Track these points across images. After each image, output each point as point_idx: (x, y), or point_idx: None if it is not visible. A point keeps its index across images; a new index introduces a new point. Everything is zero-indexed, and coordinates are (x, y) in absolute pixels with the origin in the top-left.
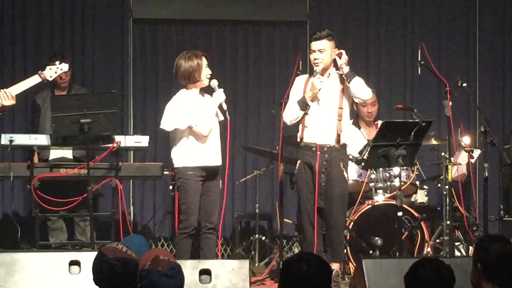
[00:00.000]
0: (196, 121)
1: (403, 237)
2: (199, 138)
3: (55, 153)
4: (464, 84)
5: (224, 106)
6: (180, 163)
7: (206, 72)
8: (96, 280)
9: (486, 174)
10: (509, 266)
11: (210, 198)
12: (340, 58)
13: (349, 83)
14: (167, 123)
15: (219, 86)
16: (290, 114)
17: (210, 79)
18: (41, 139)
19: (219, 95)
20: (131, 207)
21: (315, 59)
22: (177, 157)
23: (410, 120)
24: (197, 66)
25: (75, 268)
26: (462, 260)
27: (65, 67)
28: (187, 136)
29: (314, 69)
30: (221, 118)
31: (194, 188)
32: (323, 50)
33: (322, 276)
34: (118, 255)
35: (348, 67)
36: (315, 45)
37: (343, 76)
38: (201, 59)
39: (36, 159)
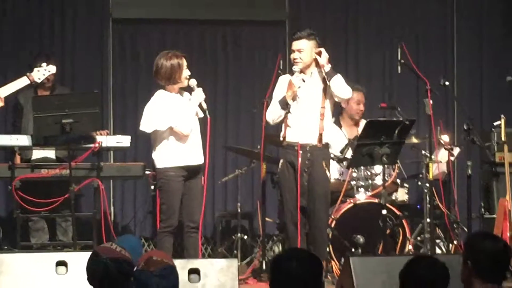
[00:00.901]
0: (176, 121)
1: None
2: (180, 138)
3: (37, 153)
4: (447, 83)
5: (204, 105)
6: (162, 163)
7: (186, 73)
8: (90, 280)
9: (470, 172)
10: (499, 263)
11: (192, 197)
12: (320, 56)
13: (329, 81)
14: (146, 125)
15: (199, 86)
16: (272, 113)
17: (189, 78)
18: (22, 140)
19: (199, 94)
20: (112, 207)
21: (294, 59)
22: (158, 158)
23: (394, 119)
24: (178, 66)
25: (62, 268)
26: (447, 257)
27: (53, 69)
28: (168, 137)
29: (293, 68)
30: (200, 115)
31: (175, 188)
32: (301, 49)
33: (314, 270)
34: (112, 255)
35: (330, 65)
36: (294, 44)
37: (324, 75)
38: (182, 59)
39: (18, 160)
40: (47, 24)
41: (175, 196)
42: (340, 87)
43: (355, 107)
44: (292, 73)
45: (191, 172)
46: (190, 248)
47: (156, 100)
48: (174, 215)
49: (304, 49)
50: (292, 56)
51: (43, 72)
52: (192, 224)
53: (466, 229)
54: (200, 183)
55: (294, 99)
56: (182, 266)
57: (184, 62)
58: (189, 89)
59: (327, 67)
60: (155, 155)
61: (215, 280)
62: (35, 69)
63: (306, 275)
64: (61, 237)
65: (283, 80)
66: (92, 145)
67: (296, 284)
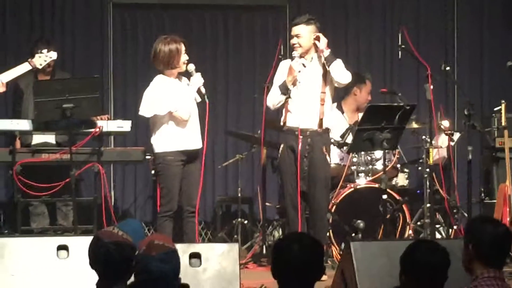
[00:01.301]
0: (175, 106)
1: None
2: (179, 122)
3: (37, 138)
4: (448, 68)
5: (203, 90)
6: (161, 148)
7: (184, 58)
8: (92, 263)
9: (470, 157)
10: (501, 248)
11: (191, 181)
12: (319, 41)
13: (328, 67)
14: (146, 110)
15: (198, 70)
16: (273, 98)
17: (188, 63)
18: (23, 124)
19: (197, 79)
20: (113, 192)
21: (293, 44)
22: (157, 143)
23: (395, 104)
24: (176, 51)
25: (63, 252)
26: (448, 242)
27: (54, 55)
28: (167, 122)
29: (293, 54)
30: (199, 100)
31: (174, 173)
32: (300, 35)
33: (315, 254)
34: (114, 239)
35: (329, 50)
36: (293, 30)
37: (323, 60)
38: (180, 44)
39: (18, 144)
40: (47, 9)
41: (174, 181)
42: (340, 72)
43: (366, 97)
44: (292, 58)
45: (190, 156)
46: (189, 232)
47: (155, 85)
48: (174, 200)
49: (302, 34)
50: (291, 41)
51: (44, 58)
52: (191, 209)
53: (466, 214)
54: (199, 169)
55: (294, 84)
56: (183, 250)
57: (183, 47)
58: (188, 74)
59: (326, 52)
60: (154, 139)
61: (216, 264)
62: (36, 55)
63: (308, 259)
64: (61, 222)
65: (284, 65)
66: (92, 130)
67: (298, 268)
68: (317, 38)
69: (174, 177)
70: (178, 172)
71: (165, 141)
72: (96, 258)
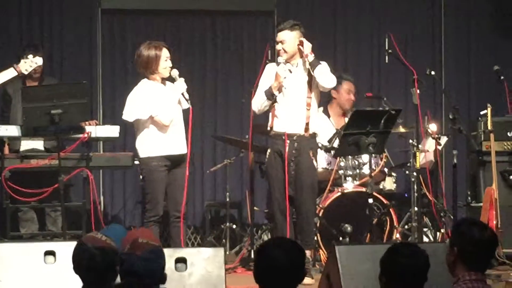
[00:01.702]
0: (157, 111)
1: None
2: (162, 127)
3: (25, 144)
4: (433, 72)
5: (186, 95)
6: (144, 153)
7: (165, 64)
8: (76, 268)
9: (455, 160)
10: (486, 251)
11: (176, 187)
12: (303, 47)
13: (313, 71)
14: (128, 114)
15: (186, 75)
16: (258, 103)
17: (172, 69)
18: (12, 130)
19: (180, 85)
20: (101, 197)
21: (278, 50)
22: (141, 147)
23: (380, 109)
24: (154, 57)
25: (50, 258)
26: (432, 246)
27: (39, 60)
28: (149, 126)
29: (278, 59)
30: (185, 106)
31: (158, 178)
32: (284, 41)
33: (297, 259)
34: (97, 244)
35: (313, 55)
36: (278, 36)
37: (308, 65)
38: (161, 50)
39: (6, 150)
40: (36, 15)
41: (159, 186)
42: (324, 76)
43: (346, 97)
44: (278, 64)
45: (174, 161)
46: (175, 237)
47: (137, 89)
48: (159, 205)
49: (287, 40)
50: (277, 47)
51: (30, 63)
52: (177, 214)
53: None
54: (184, 173)
55: (280, 90)
56: (169, 254)
57: (164, 54)
58: (173, 80)
59: (311, 57)
60: (138, 144)
61: (201, 269)
62: (22, 61)
63: (289, 263)
64: (50, 227)
65: (269, 69)
66: (81, 136)
67: (279, 271)
68: (301, 43)
69: (158, 182)
70: (162, 177)
71: (149, 146)
72: (80, 263)
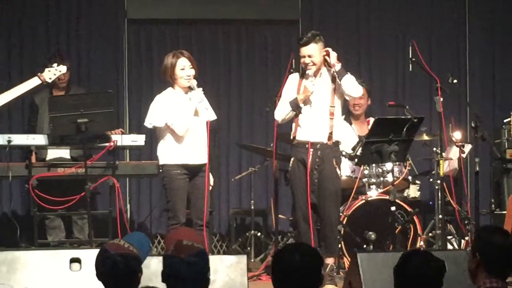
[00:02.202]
0: (172, 119)
1: (396, 232)
2: (179, 136)
3: (52, 153)
4: (455, 81)
5: (204, 106)
6: (164, 160)
7: (182, 73)
8: (99, 275)
9: (477, 168)
10: (507, 259)
11: (199, 195)
12: (329, 57)
13: (340, 80)
14: (146, 120)
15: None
16: (282, 113)
17: (192, 78)
18: (39, 139)
19: (196, 95)
20: (128, 205)
21: (306, 64)
22: (161, 155)
23: (402, 117)
24: (170, 65)
25: (75, 265)
26: (454, 253)
27: (63, 68)
28: (168, 134)
29: (307, 72)
30: (208, 117)
31: (178, 185)
32: (312, 55)
33: (314, 265)
34: (120, 251)
35: (340, 64)
36: (303, 50)
37: (335, 74)
38: (177, 58)
39: (33, 159)
40: (63, 25)
41: (179, 193)
42: (351, 85)
43: (360, 101)
44: (303, 75)
45: (193, 171)
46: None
47: (158, 97)
48: (179, 212)
49: (314, 53)
50: (303, 61)
51: (54, 72)
52: (200, 222)
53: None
54: (208, 180)
55: (306, 103)
56: None
57: (181, 62)
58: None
59: (338, 66)
60: (158, 151)
61: (224, 276)
62: (46, 69)
63: (306, 268)
64: (77, 235)
65: (292, 79)
66: (107, 144)
67: (296, 277)
68: (327, 54)
69: (179, 190)
70: (182, 185)
71: (167, 153)
72: (103, 270)
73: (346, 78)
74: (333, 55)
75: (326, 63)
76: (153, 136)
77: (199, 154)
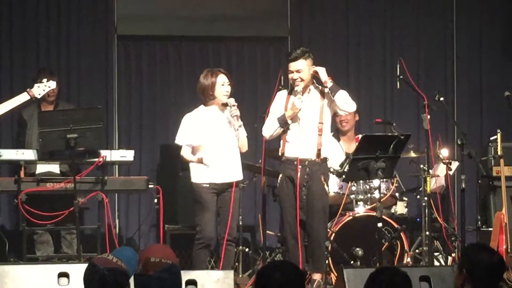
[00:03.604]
0: (187, 140)
1: (383, 248)
2: (209, 154)
3: (41, 168)
4: (442, 98)
5: (236, 123)
6: (194, 178)
7: (221, 89)
8: None
9: (464, 185)
10: (494, 276)
11: (226, 211)
12: (318, 75)
13: (333, 96)
14: (176, 139)
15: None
16: (270, 129)
17: (229, 96)
18: (28, 154)
19: (231, 112)
20: (117, 220)
21: (294, 79)
22: (192, 172)
23: (389, 134)
24: (210, 84)
25: (64, 280)
26: (440, 269)
27: (52, 84)
28: (197, 152)
29: (295, 89)
30: (240, 133)
31: (207, 202)
32: (300, 70)
33: (296, 283)
34: (108, 265)
35: (331, 80)
36: (292, 66)
37: (328, 90)
38: (216, 77)
39: (22, 174)
40: (53, 41)
41: (207, 209)
42: (345, 101)
43: (347, 117)
44: (291, 91)
45: (222, 187)
46: (226, 260)
47: (187, 116)
48: (206, 228)
49: (303, 69)
50: (291, 76)
51: (43, 87)
52: (228, 237)
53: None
54: (237, 196)
55: (294, 120)
56: None
57: (220, 79)
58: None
59: (330, 83)
60: (191, 169)
61: None
62: (35, 85)
63: (288, 285)
64: (66, 250)
65: (280, 95)
66: (96, 160)
67: None
68: (316, 72)
69: (207, 206)
70: (211, 201)
71: (196, 171)
72: (91, 284)
73: (339, 94)
74: (322, 72)
75: (317, 82)
76: (143, 151)
77: (228, 172)
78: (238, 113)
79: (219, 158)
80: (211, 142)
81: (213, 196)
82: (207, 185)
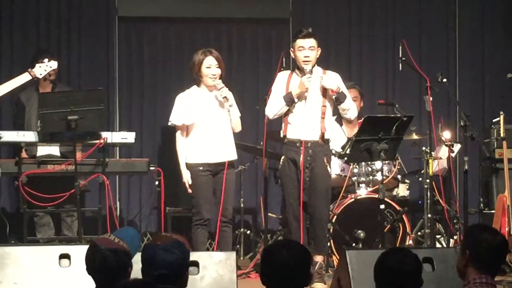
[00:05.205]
0: (179, 120)
1: (385, 230)
2: (201, 134)
3: (42, 150)
4: (444, 80)
5: (226, 104)
6: (188, 158)
7: (208, 71)
8: (89, 270)
9: (466, 167)
10: (497, 256)
11: (220, 192)
12: (326, 87)
13: (339, 105)
14: (170, 118)
15: None
16: (274, 108)
17: (217, 77)
18: (29, 136)
19: (219, 94)
20: (118, 203)
21: (305, 57)
22: (187, 153)
23: (392, 115)
24: (197, 62)
25: (65, 261)
26: (443, 251)
27: (54, 64)
28: (192, 132)
29: (305, 68)
30: (234, 114)
31: (201, 182)
32: (313, 47)
33: (302, 262)
34: (110, 246)
35: (339, 88)
36: (304, 42)
37: (336, 96)
38: (205, 56)
39: (23, 156)
40: (53, 22)
41: (202, 190)
42: (349, 110)
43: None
44: (294, 70)
45: (216, 168)
46: (221, 242)
47: (180, 96)
48: (203, 208)
49: (315, 46)
50: (302, 54)
51: (45, 67)
52: (223, 218)
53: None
54: (230, 179)
55: (299, 98)
56: None
57: (207, 60)
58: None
59: (340, 90)
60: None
61: (213, 272)
62: (37, 65)
63: (294, 263)
64: (66, 232)
65: (282, 76)
66: (97, 141)
67: (285, 272)
68: (337, 90)
69: (202, 186)
70: (205, 181)
71: (190, 151)
72: (93, 264)
73: (345, 103)
74: (328, 81)
75: (328, 92)
76: (144, 133)
77: (221, 152)
78: (225, 94)
79: (210, 138)
80: (202, 122)
81: (208, 176)
82: (200, 165)
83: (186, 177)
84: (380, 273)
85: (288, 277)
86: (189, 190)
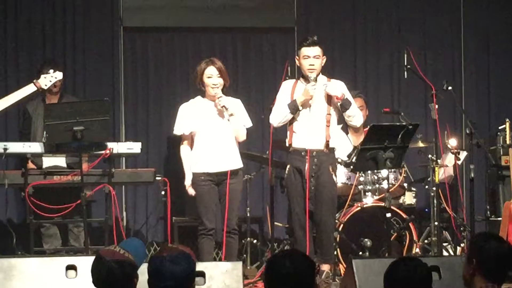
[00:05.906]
0: (181, 130)
1: (392, 238)
2: (204, 143)
3: (48, 161)
4: (450, 88)
5: (226, 114)
6: (193, 168)
7: (209, 81)
8: (95, 282)
9: (472, 175)
10: (504, 265)
11: (223, 202)
12: (331, 95)
13: (344, 112)
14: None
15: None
16: (279, 116)
17: (216, 87)
18: (35, 147)
19: (218, 102)
20: (124, 213)
21: (310, 65)
22: (192, 163)
23: (397, 123)
24: (199, 72)
25: (71, 272)
26: (449, 259)
27: (59, 75)
28: (195, 142)
29: (309, 76)
30: (247, 125)
31: (205, 192)
32: (318, 56)
33: (306, 272)
34: (115, 257)
35: (344, 95)
36: (309, 50)
37: (342, 103)
38: (207, 66)
39: (30, 166)
40: (59, 33)
41: (203, 200)
42: (354, 117)
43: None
44: (299, 78)
45: (219, 178)
46: (226, 252)
47: (183, 106)
48: (207, 218)
49: (320, 55)
50: (307, 62)
51: (50, 78)
52: (227, 228)
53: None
54: (234, 188)
55: (304, 106)
56: None
57: (209, 70)
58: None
59: (344, 97)
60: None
61: (220, 283)
62: (42, 76)
63: (298, 274)
64: (73, 243)
65: (287, 85)
66: (103, 152)
67: (288, 282)
68: (342, 97)
69: (205, 196)
70: (208, 191)
71: (194, 161)
72: (99, 276)
73: (350, 110)
74: (333, 87)
75: (332, 100)
76: (150, 144)
77: (222, 161)
78: (223, 103)
79: (211, 148)
80: (203, 131)
81: (210, 186)
82: (201, 175)
83: (188, 181)
84: (390, 283)
85: (290, 286)
86: (190, 193)
